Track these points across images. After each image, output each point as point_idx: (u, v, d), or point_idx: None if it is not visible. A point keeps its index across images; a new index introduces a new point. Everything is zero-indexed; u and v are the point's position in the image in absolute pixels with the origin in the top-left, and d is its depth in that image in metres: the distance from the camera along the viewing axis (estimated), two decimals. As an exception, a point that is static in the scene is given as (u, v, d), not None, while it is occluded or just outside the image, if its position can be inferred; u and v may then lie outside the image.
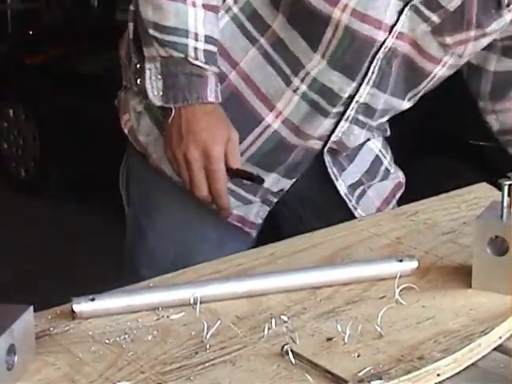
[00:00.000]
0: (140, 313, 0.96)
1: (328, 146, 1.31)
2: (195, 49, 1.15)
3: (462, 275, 1.00)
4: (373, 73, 1.23)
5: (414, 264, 1.01)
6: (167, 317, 0.95)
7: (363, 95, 1.25)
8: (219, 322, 0.90)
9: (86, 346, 0.89)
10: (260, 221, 1.36)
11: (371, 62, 1.22)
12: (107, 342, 0.90)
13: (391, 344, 0.87)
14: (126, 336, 0.91)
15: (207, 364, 0.85)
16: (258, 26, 1.22)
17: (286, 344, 0.85)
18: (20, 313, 0.84)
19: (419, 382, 0.81)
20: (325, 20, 1.17)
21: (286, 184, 1.35)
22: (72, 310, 0.94)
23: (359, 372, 0.82)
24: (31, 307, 0.86)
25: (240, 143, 1.20)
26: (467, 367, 0.85)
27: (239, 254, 1.11)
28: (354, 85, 1.24)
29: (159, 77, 1.15)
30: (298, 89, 1.24)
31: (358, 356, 0.85)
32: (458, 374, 0.84)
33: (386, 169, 1.46)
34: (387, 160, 1.46)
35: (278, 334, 0.89)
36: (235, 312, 0.95)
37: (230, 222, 1.33)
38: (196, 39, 1.15)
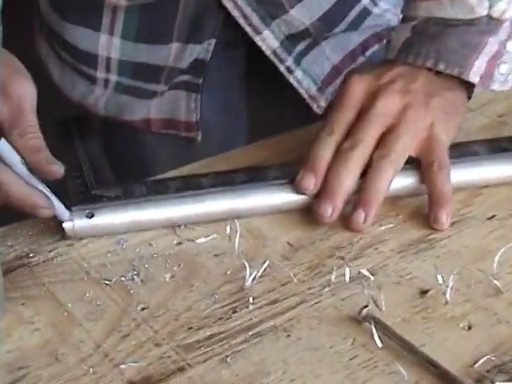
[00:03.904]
0: (155, 232, 0.69)
1: None
2: None
3: None
4: None
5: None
6: (192, 240, 0.68)
7: None
8: (266, 262, 0.63)
9: (78, 288, 0.63)
10: (195, 116, 0.95)
11: None
12: (108, 282, 0.63)
13: (516, 307, 0.60)
14: (135, 273, 0.64)
15: (250, 334, 0.58)
16: None
17: (366, 307, 0.59)
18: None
19: None
20: None
21: (200, 52, 0.92)
22: (61, 228, 0.68)
23: (475, 363, 0.55)
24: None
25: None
26: None
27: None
28: None
29: None
30: None
31: (469, 328, 0.59)
32: None
33: (365, 9, 0.96)
34: None
35: (349, 281, 0.63)
36: (287, 237, 0.68)
37: (159, 133, 0.98)
38: None
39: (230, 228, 0.68)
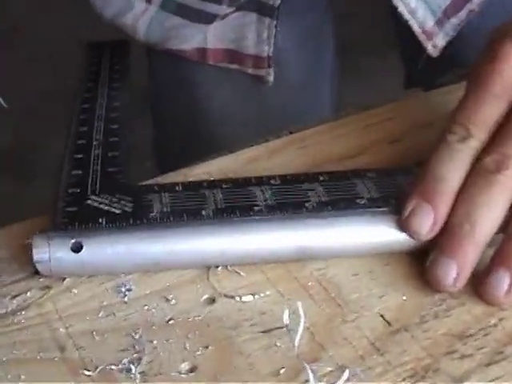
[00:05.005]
0: (176, 275, 0.45)
1: None
2: None
3: None
4: None
5: None
6: (231, 297, 0.44)
7: None
8: (346, 373, 0.38)
9: (43, 378, 0.40)
10: (268, 49, 0.69)
11: None
12: (89, 373, 0.40)
13: None
14: (135, 356, 0.40)
15: None
16: None
17: None
18: None
19: None
20: None
21: None
22: (33, 265, 0.44)
23: None
24: None
25: None
26: None
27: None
28: None
29: None
30: None
31: None
32: None
33: None
34: None
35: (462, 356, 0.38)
36: (382, 305, 0.43)
37: (217, 68, 0.73)
38: None
39: (295, 279, 0.43)
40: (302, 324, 0.39)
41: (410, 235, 0.44)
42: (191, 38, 0.71)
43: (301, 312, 0.39)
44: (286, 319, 0.39)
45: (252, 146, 0.55)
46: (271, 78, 0.71)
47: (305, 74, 0.76)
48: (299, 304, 0.40)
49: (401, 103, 0.59)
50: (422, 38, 0.66)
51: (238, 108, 0.75)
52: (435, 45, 0.67)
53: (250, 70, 0.71)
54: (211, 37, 0.71)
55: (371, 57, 1.38)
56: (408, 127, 0.56)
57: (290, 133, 0.56)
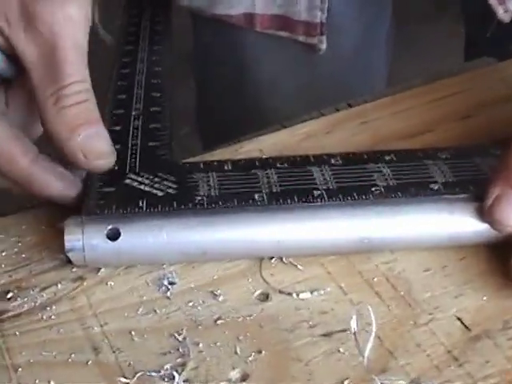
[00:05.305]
0: (224, 267, 0.40)
1: None
2: None
3: None
4: None
5: None
6: (288, 293, 0.39)
7: None
8: (422, 391, 0.33)
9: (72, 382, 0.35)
10: (320, 15, 0.64)
11: None
12: (125, 380, 0.35)
13: None
14: (178, 361, 0.36)
15: None
16: None
17: None
18: None
19: None
20: None
21: None
22: (65, 253, 0.39)
23: None
24: None
25: None
26: None
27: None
28: None
29: None
30: None
31: None
32: None
33: None
34: None
35: None
36: (459, 305, 0.38)
37: (265, 35, 0.67)
38: None
39: (359, 275, 0.38)
40: (373, 333, 0.34)
41: (493, 226, 0.39)
42: (238, 3, 0.66)
43: (372, 317, 0.34)
44: (353, 326, 0.33)
45: (306, 119, 0.49)
46: (323, 46, 0.65)
47: (360, 42, 0.70)
48: (370, 309, 0.34)
49: (470, 74, 0.53)
50: (492, 1, 0.61)
51: (288, 77, 0.70)
52: (507, 9, 0.61)
53: (300, 38, 0.66)
54: (260, 2, 0.66)
55: (420, 22, 1.32)
56: (480, 101, 0.50)
57: (349, 106, 0.50)
